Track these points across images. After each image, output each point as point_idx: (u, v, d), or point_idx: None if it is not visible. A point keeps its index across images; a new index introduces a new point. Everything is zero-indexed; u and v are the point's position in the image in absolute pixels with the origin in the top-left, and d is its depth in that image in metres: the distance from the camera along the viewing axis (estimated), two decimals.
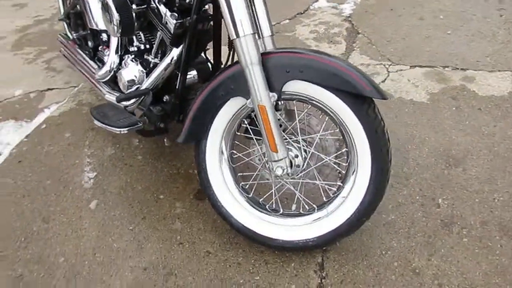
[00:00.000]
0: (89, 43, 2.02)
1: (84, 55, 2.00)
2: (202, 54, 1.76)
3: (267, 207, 1.47)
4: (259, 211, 1.45)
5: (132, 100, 1.61)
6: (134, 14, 1.52)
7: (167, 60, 1.55)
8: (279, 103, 1.39)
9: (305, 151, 1.35)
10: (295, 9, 3.04)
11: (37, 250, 1.56)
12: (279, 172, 1.28)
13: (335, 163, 1.39)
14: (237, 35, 1.20)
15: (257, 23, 1.41)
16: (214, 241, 1.53)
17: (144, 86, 1.61)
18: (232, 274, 1.42)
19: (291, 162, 1.31)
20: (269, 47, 1.42)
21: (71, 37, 2.15)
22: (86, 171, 1.88)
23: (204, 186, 1.46)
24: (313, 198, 1.51)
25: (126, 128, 1.55)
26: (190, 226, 1.60)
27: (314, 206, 1.42)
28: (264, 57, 1.26)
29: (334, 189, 1.39)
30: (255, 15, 1.40)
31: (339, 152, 1.39)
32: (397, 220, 1.53)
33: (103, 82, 1.83)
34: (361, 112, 1.23)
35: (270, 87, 1.26)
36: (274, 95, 1.24)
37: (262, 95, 1.22)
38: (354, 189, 1.31)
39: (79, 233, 1.61)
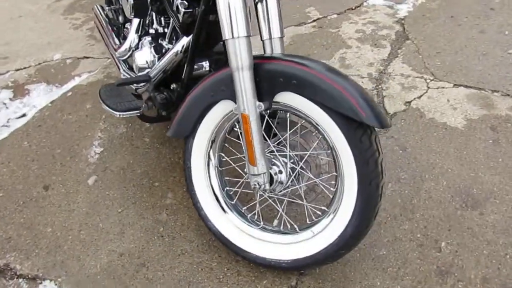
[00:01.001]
0: (119, 19, 2.02)
1: (111, 30, 2.00)
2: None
3: (248, 217, 1.40)
4: (239, 219, 1.38)
5: (135, 85, 1.59)
6: None
7: (176, 47, 1.49)
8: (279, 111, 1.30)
9: (291, 168, 1.25)
10: (347, 3, 2.85)
11: (30, 216, 1.62)
12: (255, 187, 1.20)
13: (325, 185, 1.28)
14: (230, 36, 1.12)
15: (268, 24, 1.31)
16: (194, 240, 1.50)
17: (153, 71, 1.58)
18: (202, 279, 1.38)
19: (272, 177, 1.22)
20: (277, 49, 1.32)
21: (105, 9, 2.16)
22: (94, 146, 1.91)
23: (187, 184, 1.41)
24: (301, 216, 1.42)
25: (124, 112, 1.53)
26: (175, 220, 1.57)
27: (295, 226, 1.33)
28: (259, 61, 1.17)
29: (319, 213, 1.28)
30: (266, 15, 1.30)
31: (328, 176, 1.27)
32: (388, 257, 1.39)
33: (122, 60, 1.83)
34: (353, 138, 1.11)
35: (261, 95, 1.17)
36: (261, 105, 1.15)
37: (247, 104, 1.13)
38: (336, 219, 1.20)
39: (71, 206, 1.65)
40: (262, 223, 1.37)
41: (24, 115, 2.16)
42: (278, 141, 1.28)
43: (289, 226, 1.33)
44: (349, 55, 2.35)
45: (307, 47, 2.45)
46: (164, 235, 1.53)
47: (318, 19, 2.72)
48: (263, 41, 1.33)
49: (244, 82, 1.13)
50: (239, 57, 1.12)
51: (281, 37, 1.33)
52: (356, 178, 1.13)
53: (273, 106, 1.19)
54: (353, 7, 2.80)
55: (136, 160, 1.83)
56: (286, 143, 1.25)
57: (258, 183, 1.19)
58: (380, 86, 2.11)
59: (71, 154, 1.88)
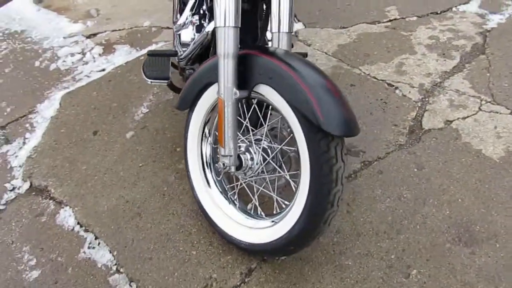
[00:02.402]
0: None
1: (178, 5, 2.21)
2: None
3: (229, 195, 1.50)
4: (219, 195, 1.50)
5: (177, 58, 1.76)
6: None
7: (207, 29, 1.63)
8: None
9: (263, 157, 1.32)
10: (434, 6, 2.64)
11: (75, 153, 1.95)
12: (220, 166, 1.29)
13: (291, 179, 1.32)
14: (221, 24, 1.21)
15: (279, 17, 1.35)
16: (187, 205, 1.66)
17: (189, 48, 1.74)
18: (179, 239, 1.54)
19: (241, 162, 1.30)
20: (283, 44, 1.37)
21: None
22: (143, 106, 2.18)
23: (184, 154, 1.56)
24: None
25: (152, 80, 1.73)
26: (179, 184, 1.75)
27: (263, 214, 1.39)
28: (245, 52, 1.24)
29: (284, 206, 1.33)
30: (278, 8, 1.35)
31: (294, 172, 1.30)
32: (351, 268, 1.38)
33: (176, 34, 2.03)
34: (311, 140, 1.14)
35: (242, 83, 1.25)
36: (237, 93, 1.22)
37: (225, 89, 1.22)
38: (289, 215, 1.25)
39: (107, 153, 1.93)
40: (238, 204, 1.47)
41: (103, 69, 2.53)
42: (259, 130, 1.35)
43: (258, 212, 1.41)
44: (409, 61, 2.22)
45: (369, 47, 2.37)
46: (165, 194, 1.72)
47: (395, 19, 2.59)
48: (272, 33, 1.38)
49: (226, 68, 1.22)
50: (226, 45, 1.20)
51: (289, 32, 1.37)
52: (309, 181, 1.16)
53: (252, 95, 1.26)
54: (439, 11, 2.59)
55: (170, 125, 2.04)
56: (263, 133, 1.32)
57: (224, 164, 1.28)
58: (427, 99, 1.98)
59: (123, 109, 2.17)
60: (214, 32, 1.56)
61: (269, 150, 1.34)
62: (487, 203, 1.51)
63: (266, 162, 1.32)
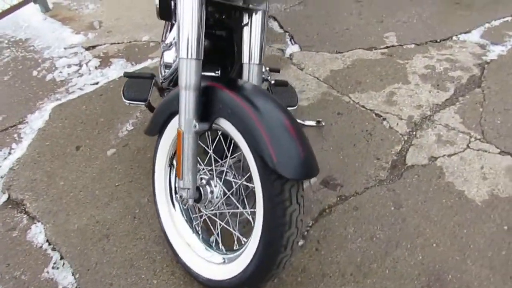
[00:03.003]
0: None
1: (167, 23, 2.21)
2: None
3: (193, 224, 1.47)
4: (185, 224, 1.47)
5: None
6: (172, 3, 1.61)
7: None
8: None
9: (224, 192, 1.28)
10: (434, 34, 2.58)
11: (55, 167, 1.95)
12: (179, 197, 1.26)
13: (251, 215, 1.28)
14: (183, 56, 1.18)
15: (249, 48, 1.33)
16: (155, 230, 1.63)
17: (170, 70, 1.73)
18: (142, 266, 1.51)
19: (200, 195, 1.27)
20: (254, 75, 1.35)
21: None
22: (128, 123, 2.17)
23: (152, 178, 1.54)
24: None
25: (129, 101, 1.72)
26: (151, 207, 1.71)
27: (223, 249, 1.36)
28: (209, 84, 1.22)
29: (242, 243, 1.29)
30: (249, 39, 1.32)
31: (252, 210, 1.26)
32: None
33: (162, 53, 2.03)
34: (266, 180, 1.10)
35: (204, 115, 1.22)
36: (196, 125, 1.20)
37: (184, 121, 1.20)
38: (244, 253, 1.21)
39: (86, 169, 1.93)
40: (201, 234, 1.43)
41: (97, 83, 2.54)
42: (225, 162, 1.32)
43: (219, 245, 1.37)
44: (401, 91, 2.16)
45: (362, 74, 2.33)
46: (136, 217, 1.70)
47: (392, 46, 2.53)
48: (242, 64, 1.36)
49: (187, 101, 1.19)
50: (188, 77, 1.18)
51: (260, 64, 1.35)
52: (262, 222, 1.12)
53: (214, 128, 1.24)
54: (438, 40, 2.53)
55: (152, 145, 2.01)
56: (225, 167, 1.28)
57: (181, 196, 1.25)
58: (414, 133, 1.91)
59: (109, 125, 2.17)
60: None
61: (233, 183, 1.31)
62: (463, 250, 1.43)
63: (226, 196, 1.28)
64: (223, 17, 1.41)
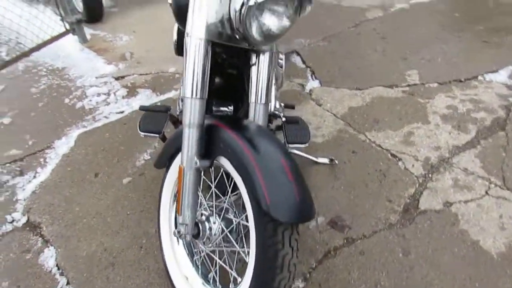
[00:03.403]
0: None
1: None
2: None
3: (194, 259, 1.47)
4: (186, 257, 1.47)
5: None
6: None
7: None
8: None
9: (222, 229, 1.29)
10: (459, 73, 2.53)
11: (74, 193, 2.03)
12: (177, 232, 1.27)
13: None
14: (187, 95, 1.22)
15: (256, 88, 1.36)
16: (159, 262, 1.63)
17: None
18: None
19: (199, 231, 1.28)
20: (260, 115, 1.37)
21: None
22: (146, 153, 2.24)
23: (157, 210, 1.57)
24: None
25: (144, 132, 1.77)
26: (158, 238, 1.74)
27: (219, 286, 1.35)
28: (213, 122, 1.25)
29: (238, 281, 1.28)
30: (256, 79, 1.35)
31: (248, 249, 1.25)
32: None
33: (180, 87, 2.10)
34: (259, 222, 1.10)
35: (206, 153, 1.24)
36: (197, 162, 1.22)
37: (186, 157, 1.23)
38: None
39: (101, 196, 1.99)
40: (201, 269, 1.43)
41: (122, 112, 2.65)
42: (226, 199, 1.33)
43: (216, 282, 1.36)
44: (419, 132, 2.12)
45: (381, 112, 2.30)
46: (143, 247, 1.72)
47: (414, 84, 2.50)
48: (249, 103, 1.38)
49: (189, 138, 1.22)
50: (191, 116, 1.22)
51: (266, 104, 1.37)
52: (253, 263, 1.11)
53: (215, 165, 1.25)
54: (463, 79, 2.48)
55: None
56: (225, 204, 1.29)
57: (179, 231, 1.27)
58: (430, 175, 1.85)
59: (128, 154, 2.25)
60: None
61: (232, 221, 1.31)
62: None
63: (223, 233, 1.28)
64: (233, 56, 1.45)
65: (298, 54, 3.03)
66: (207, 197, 1.37)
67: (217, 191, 1.35)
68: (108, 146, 2.32)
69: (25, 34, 3.42)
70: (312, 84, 2.65)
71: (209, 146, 1.24)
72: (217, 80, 1.65)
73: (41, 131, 2.53)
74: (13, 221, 1.93)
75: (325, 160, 1.99)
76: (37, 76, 3.21)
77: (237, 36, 1.20)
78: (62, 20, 3.48)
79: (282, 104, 2.06)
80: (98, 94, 2.86)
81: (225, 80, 1.63)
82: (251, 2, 1.12)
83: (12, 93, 3.02)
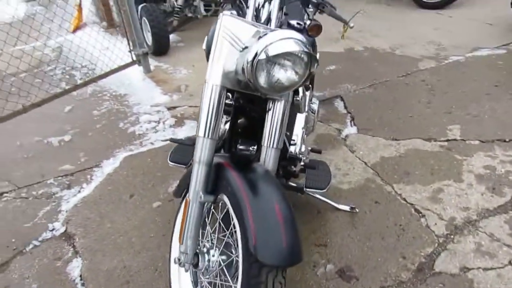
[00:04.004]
0: None
1: None
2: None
3: (198, 287, 1.54)
4: (189, 283, 1.54)
5: None
6: None
7: (225, 126, 1.80)
8: None
9: (222, 260, 1.35)
10: (504, 132, 2.42)
11: (108, 210, 2.21)
12: (177, 260, 1.36)
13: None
14: (200, 134, 1.33)
15: (269, 132, 1.43)
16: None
17: None
18: None
19: (198, 261, 1.35)
20: (270, 159, 1.43)
21: None
22: (176, 181, 2.38)
23: (170, 237, 1.67)
24: None
25: (172, 163, 1.91)
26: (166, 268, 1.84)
27: None
28: (222, 162, 1.34)
29: None
30: (270, 123, 1.43)
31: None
32: None
33: None
34: (246, 260, 1.16)
35: (212, 189, 1.33)
36: (202, 196, 1.31)
37: (192, 191, 1.32)
38: None
39: (131, 216, 2.15)
40: None
41: (166, 140, 2.85)
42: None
43: None
44: (449, 190, 2.05)
45: (413, 165, 2.26)
46: (158, 269, 1.83)
47: (454, 140, 2.43)
48: (261, 146, 1.46)
49: (198, 174, 1.33)
50: (201, 154, 1.32)
51: (277, 148, 1.44)
52: None
53: (218, 201, 1.34)
54: (507, 139, 2.36)
55: None
56: (227, 238, 1.36)
57: (179, 259, 1.35)
58: (452, 236, 1.78)
59: (163, 179, 2.41)
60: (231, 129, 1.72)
61: (231, 256, 1.37)
62: None
63: (220, 267, 1.34)
64: (252, 101, 1.55)
65: (342, 99, 3.08)
66: (213, 229, 1.45)
67: (223, 225, 1.42)
68: (147, 171, 2.51)
69: (98, 61, 3.83)
70: (349, 130, 2.68)
71: (215, 183, 1.33)
72: (242, 120, 1.75)
73: (94, 150, 2.80)
74: (53, 229, 2.14)
75: (345, 208, 2.00)
76: (101, 100, 3.57)
77: (250, 85, 1.30)
78: (130, 51, 3.86)
79: (309, 148, 2.11)
80: (149, 122, 3.11)
81: (249, 121, 1.73)
82: (262, 56, 1.22)
83: (77, 113, 3.38)
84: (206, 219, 1.49)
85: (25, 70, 4.08)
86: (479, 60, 3.42)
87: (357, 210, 1.97)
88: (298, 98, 1.90)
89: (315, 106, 2.23)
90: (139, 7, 4.31)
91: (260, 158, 1.45)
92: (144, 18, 4.26)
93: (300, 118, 2.05)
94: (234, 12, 1.47)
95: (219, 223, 1.42)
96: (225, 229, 1.42)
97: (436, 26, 4.32)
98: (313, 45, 1.69)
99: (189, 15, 4.65)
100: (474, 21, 4.32)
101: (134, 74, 3.96)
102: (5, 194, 2.45)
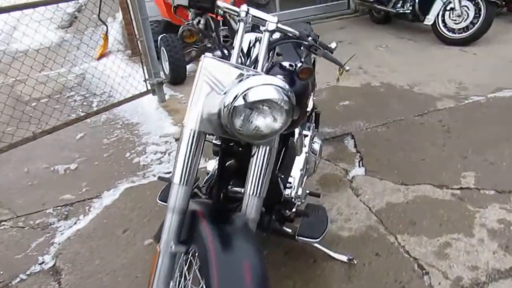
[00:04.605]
0: None
1: None
2: None
3: None
4: None
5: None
6: None
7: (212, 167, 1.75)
8: None
9: None
10: None
11: (99, 246, 2.15)
12: None
13: None
14: (175, 181, 1.27)
15: (252, 179, 1.36)
16: None
17: (206, 178, 1.85)
18: None
19: None
20: (252, 207, 1.35)
21: None
22: None
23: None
24: None
25: (160, 202, 1.84)
26: None
27: None
28: (197, 210, 1.27)
29: None
30: (253, 170, 1.35)
31: None
32: None
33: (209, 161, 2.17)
34: None
35: (184, 239, 1.26)
36: (172, 246, 1.23)
37: (164, 241, 1.25)
38: None
39: (122, 254, 2.09)
40: None
41: (169, 173, 2.80)
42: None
43: None
44: (458, 245, 1.88)
45: (421, 214, 2.10)
46: None
47: (467, 188, 2.26)
48: (243, 194, 1.38)
49: (170, 222, 1.26)
50: (175, 201, 1.26)
51: (260, 197, 1.35)
52: None
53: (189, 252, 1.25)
54: None
55: None
56: None
57: None
58: None
59: (159, 215, 2.34)
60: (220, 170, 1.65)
61: None
62: None
63: None
64: (238, 144, 1.47)
65: (352, 137, 2.97)
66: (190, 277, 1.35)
67: (198, 274, 1.33)
68: (145, 205, 2.45)
69: (118, 89, 3.90)
70: (357, 171, 2.55)
71: (187, 233, 1.26)
72: (232, 162, 1.68)
73: (97, 180, 2.78)
74: (42, 262, 2.10)
75: (343, 258, 1.86)
76: (113, 128, 3.59)
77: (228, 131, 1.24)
78: (145, 81, 3.90)
79: (307, 191, 2.01)
80: (155, 152, 3.08)
81: (238, 163, 1.66)
82: (239, 101, 1.16)
83: (87, 141, 3.40)
84: (184, 269, 1.40)
85: (48, 95, 4.20)
86: (501, 102, 3.24)
87: (355, 262, 1.84)
88: (294, 140, 1.83)
89: (317, 147, 2.14)
90: (159, 37, 4.39)
91: (242, 206, 1.37)
92: (162, 48, 4.33)
93: (299, 160, 1.97)
94: (219, 53, 1.42)
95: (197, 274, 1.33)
96: (199, 279, 1.33)
97: (459, 63, 4.18)
98: (306, 88, 1.61)
99: (208, 45, 4.70)
100: (500, 60, 4.14)
101: (148, 103, 3.99)
102: (3, 222, 2.45)
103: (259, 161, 1.35)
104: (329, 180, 2.49)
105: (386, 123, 3.10)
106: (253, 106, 1.17)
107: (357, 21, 6.33)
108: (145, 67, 3.85)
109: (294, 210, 1.79)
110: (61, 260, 2.09)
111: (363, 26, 5.99)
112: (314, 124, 2.30)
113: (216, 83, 1.27)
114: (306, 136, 2.07)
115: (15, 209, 2.57)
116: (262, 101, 1.17)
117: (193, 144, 1.25)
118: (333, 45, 2.71)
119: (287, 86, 1.20)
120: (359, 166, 2.61)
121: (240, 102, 1.16)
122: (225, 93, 1.24)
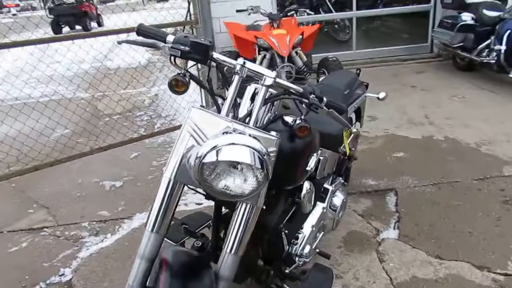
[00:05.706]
0: None
1: None
2: None
3: None
4: None
5: None
6: None
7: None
8: None
9: None
10: None
11: (114, 267, 2.22)
12: None
13: None
14: (148, 228, 1.27)
15: (230, 236, 1.31)
16: None
17: None
18: None
19: None
20: (226, 265, 1.31)
21: None
22: None
23: None
24: None
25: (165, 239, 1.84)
26: None
27: None
28: (163, 258, 1.25)
29: None
30: (233, 226, 1.31)
31: None
32: None
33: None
34: None
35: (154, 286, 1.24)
36: None
37: (128, 285, 1.25)
38: None
39: None
40: None
41: (200, 204, 2.83)
42: None
43: None
44: None
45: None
46: None
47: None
48: (221, 252, 1.33)
49: (136, 268, 1.26)
50: (145, 248, 1.27)
51: (236, 255, 1.30)
52: None
53: None
54: None
55: None
56: None
57: None
58: None
59: None
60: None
61: None
62: None
63: None
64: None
65: (396, 194, 2.74)
66: None
67: None
68: None
69: (182, 112, 4.12)
70: (389, 233, 2.34)
71: (154, 280, 1.24)
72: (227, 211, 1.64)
73: (134, 201, 2.91)
74: (62, 274, 2.23)
75: None
76: (165, 151, 3.76)
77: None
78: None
79: (317, 250, 1.88)
80: None
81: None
82: (209, 157, 1.13)
83: (138, 161, 3.59)
84: None
85: (119, 113, 4.55)
86: None
87: None
88: (300, 196, 1.73)
89: (338, 202, 1.99)
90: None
91: (218, 262, 1.32)
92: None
93: (314, 215, 1.86)
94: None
95: None
96: None
97: None
98: (305, 146, 1.53)
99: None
100: None
101: None
102: (45, 229, 2.67)
103: (239, 218, 1.30)
104: (356, 238, 2.31)
105: (438, 183, 2.82)
106: (223, 165, 1.14)
107: (439, 66, 5.95)
108: (203, 93, 4.01)
109: (293, 267, 1.69)
110: (77, 275, 2.20)
111: (443, 72, 5.61)
112: (341, 177, 2.16)
113: (200, 135, 1.26)
114: (327, 190, 1.95)
115: (58, 217, 2.78)
116: (233, 162, 1.13)
117: (169, 193, 1.25)
118: (381, 95, 2.57)
119: (264, 150, 1.15)
120: (394, 228, 2.39)
121: (211, 157, 1.13)
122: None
